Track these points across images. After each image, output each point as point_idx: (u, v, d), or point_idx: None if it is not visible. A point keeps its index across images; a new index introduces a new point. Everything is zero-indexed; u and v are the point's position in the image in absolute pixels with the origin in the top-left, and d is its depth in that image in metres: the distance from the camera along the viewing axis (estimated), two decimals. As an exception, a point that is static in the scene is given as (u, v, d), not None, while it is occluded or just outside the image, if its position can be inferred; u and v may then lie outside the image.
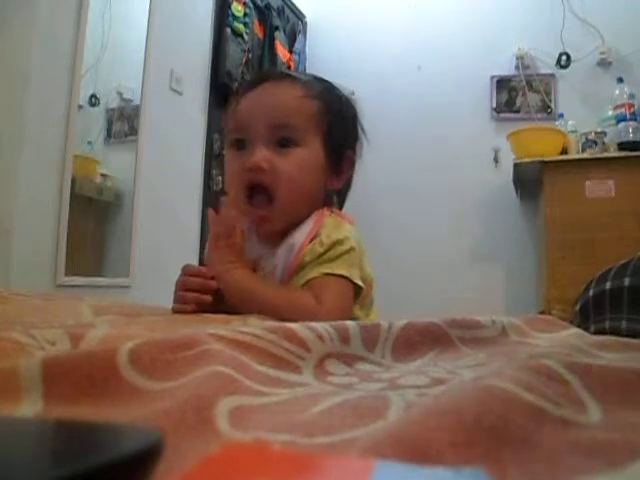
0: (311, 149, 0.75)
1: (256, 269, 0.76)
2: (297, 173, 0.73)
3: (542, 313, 1.96)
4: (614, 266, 0.87)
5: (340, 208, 0.84)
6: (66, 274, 1.87)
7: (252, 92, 0.77)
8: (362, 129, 0.84)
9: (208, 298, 0.68)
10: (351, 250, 0.72)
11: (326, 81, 0.83)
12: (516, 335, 0.47)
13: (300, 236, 0.73)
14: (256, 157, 0.72)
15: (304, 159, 0.74)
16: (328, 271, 0.70)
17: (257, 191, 0.73)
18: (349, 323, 0.42)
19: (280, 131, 0.73)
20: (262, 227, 0.76)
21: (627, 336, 0.70)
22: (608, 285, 0.83)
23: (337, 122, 0.78)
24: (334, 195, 0.82)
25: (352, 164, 0.82)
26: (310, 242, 0.72)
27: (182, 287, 0.70)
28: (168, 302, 0.82)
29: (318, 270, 0.70)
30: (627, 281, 0.80)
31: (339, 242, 0.72)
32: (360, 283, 0.72)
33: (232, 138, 0.77)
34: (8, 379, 0.28)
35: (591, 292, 0.87)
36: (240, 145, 0.75)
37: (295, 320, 0.44)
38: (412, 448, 0.20)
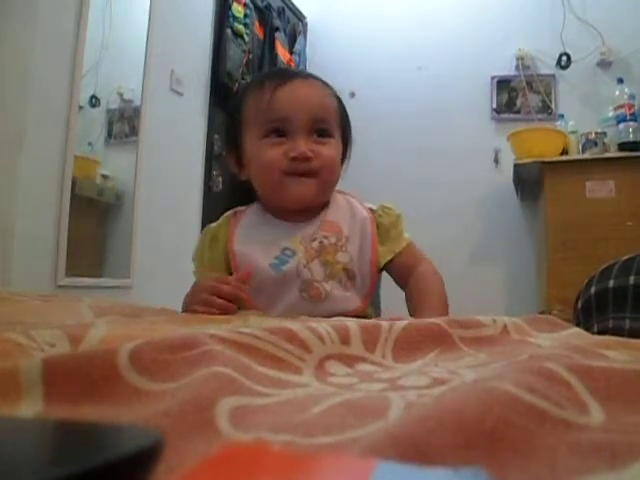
0: (337, 140, 0.85)
1: (300, 244, 0.81)
2: (335, 159, 0.84)
3: (542, 313, 1.95)
4: (616, 262, 0.85)
5: None
6: (67, 275, 1.87)
7: (286, 87, 0.82)
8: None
9: (234, 307, 0.73)
10: None
11: None
12: (517, 334, 0.47)
13: (361, 209, 0.86)
14: (303, 147, 0.80)
15: (337, 148, 0.85)
16: (408, 239, 0.86)
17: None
18: (350, 324, 0.42)
19: (319, 124, 0.82)
20: (304, 199, 0.82)
21: (630, 336, 0.70)
22: (612, 283, 0.82)
23: (345, 117, 0.89)
24: None
25: (348, 157, 0.91)
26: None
27: (211, 292, 0.74)
28: (169, 303, 0.82)
29: (402, 240, 0.85)
30: (632, 279, 0.79)
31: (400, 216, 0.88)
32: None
33: (269, 127, 0.82)
34: (8, 379, 0.28)
35: (593, 290, 0.86)
36: (277, 134, 0.82)
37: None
38: (412, 449, 0.20)
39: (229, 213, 0.89)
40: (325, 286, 0.79)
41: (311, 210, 0.84)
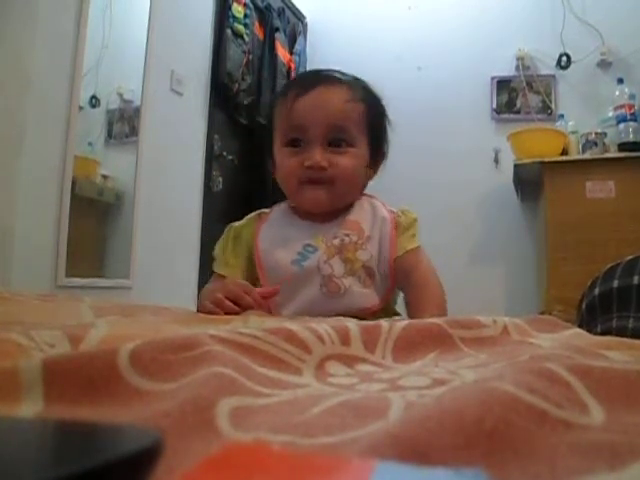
0: (360, 147, 0.85)
1: (322, 242, 0.83)
2: (352, 169, 0.84)
3: (542, 313, 1.96)
4: (620, 263, 0.85)
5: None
6: (67, 275, 1.87)
7: (306, 96, 0.83)
8: (389, 124, 0.94)
9: (239, 311, 0.74)
10: None
11: (361, 80, 0.92)
12: (518, 334, 0.47)
13: (383, 210, 0.88)
14: (317, 156, 0.81)
15: (356, 156, 0.85)
16: (419, 242, 0.87)
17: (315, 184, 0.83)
18: (350, 325, 0.42)
19: (336, 133, 0.83)
20: (318, 206, 0.85)
21: (633, 335, 0.70)
22: (616, 283, 0.82)
23: (377, 121, 0.89)
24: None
25: (385, 157, 0.93)
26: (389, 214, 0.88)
27: (230, 297, 0.75)
28: (168, 303, 0.83)
29: (413, 242, 0.86)
30: (636, 279, 0.79)
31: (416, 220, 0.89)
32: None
33: (288, 136, 0.84)
34: (8, 379, 0.28)
35: (597, 290, 0.86)
36: (295, 143, 0.84)
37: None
38: (412, 449, 0.20)
39: (254, 215, 0.92)
40: (344, 282, 0.80)
41: (334, 212, 0.86)
